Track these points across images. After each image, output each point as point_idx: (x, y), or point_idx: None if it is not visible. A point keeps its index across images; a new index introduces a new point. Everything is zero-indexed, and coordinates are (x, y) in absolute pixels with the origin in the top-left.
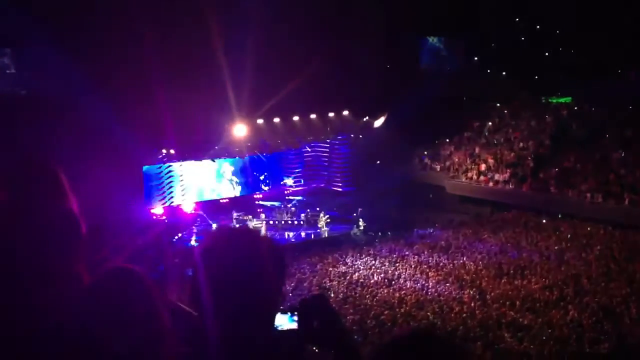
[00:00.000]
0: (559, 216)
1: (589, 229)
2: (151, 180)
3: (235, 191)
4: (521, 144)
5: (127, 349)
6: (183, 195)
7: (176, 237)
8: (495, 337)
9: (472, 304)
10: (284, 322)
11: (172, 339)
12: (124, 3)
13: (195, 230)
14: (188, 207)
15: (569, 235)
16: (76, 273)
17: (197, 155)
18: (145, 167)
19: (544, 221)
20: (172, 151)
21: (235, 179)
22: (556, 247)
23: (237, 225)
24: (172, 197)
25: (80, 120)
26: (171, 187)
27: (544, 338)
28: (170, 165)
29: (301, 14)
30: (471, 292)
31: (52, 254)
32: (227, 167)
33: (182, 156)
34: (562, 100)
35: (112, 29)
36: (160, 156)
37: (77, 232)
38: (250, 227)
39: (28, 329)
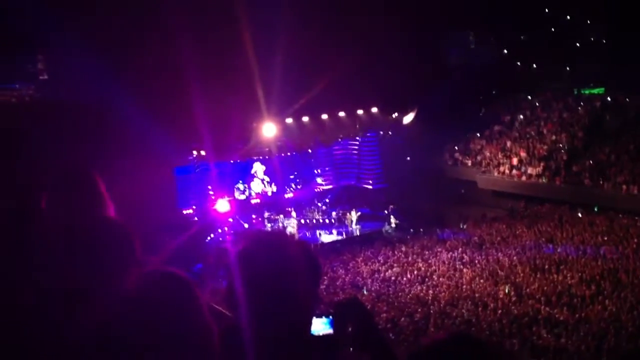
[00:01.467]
0: (595, 209)
1: (625, 221)
2: (183, 181)
3: (269, 190)
4: (554, 137)
5: (175, 355)
6: (215, 195)
7: (209, 238)
8: (531, 334)
9: (507, 300)
10: (321, 326)
11: (218, 344)
12: (157, 7)
13: (227, 231)
14: (223, 207)
15: (604, 229)
16: (120, 278)
17: (227, 156)
18: (177, 168)
19: (579, 215)
20: (202, 152)
21: (267, 178)
22: (592, 241)
23: (272, 229)
24: (205, 197)
25: (113, 123)
26: (203, 187)
27: (582, 334)
28: (202, 166)
29: (329, 12)
30: (506, 289)
31: (94, 260)
32: (258, 166)
33: (212, 157)
34: (595, 91)
35: (144, 33)
36: (191, 157)
37: (117, 238)
38: (285, 230)
39: (75, 337)
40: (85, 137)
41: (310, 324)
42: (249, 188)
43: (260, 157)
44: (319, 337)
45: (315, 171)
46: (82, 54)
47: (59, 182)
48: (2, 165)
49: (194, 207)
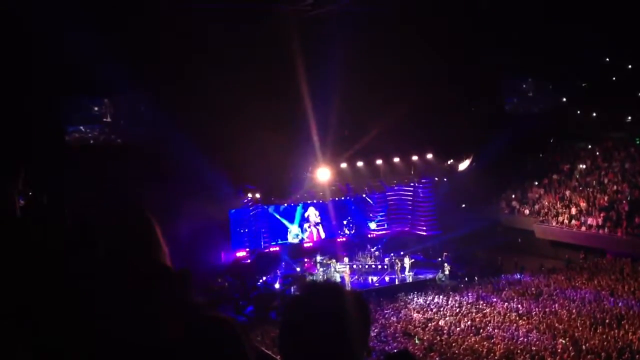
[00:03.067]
0: None
1: None
2: (237, 223)
3: (322, 233)
4: (615, 187)
5: None
6: (267, 238)
7: (261, 281)
8: None
9: (566, 355)
10: None
11: None
12: (216, 55)
13: (279, 274)
14: (272, 250)
15: None
16: (168, 324)
17: (281, 200)
18: (231, 211)
19: None
20: (257, 195)
21: (319, 221)
22: None
23: (325, 279)
24: (257, 240)
25: (171, 166)
26: (256, 230)
27: None
28: (255, 209)
29: (385, 58)
30: (564, 343)
31: (147, 305)
32: (311, 210)
33: (266, 200)
34: None
35: (204, 81)
36: (246, 200)
37: (171, 284)
38: (337, 275)
39: None
40: (145, 179)
41: None
42: (302, 232)
43: (314, 201)
44: None
45: (369, 216)
46: (144, 99)
47: (115, 226)
48: (62, 206)
49: (247, 249)
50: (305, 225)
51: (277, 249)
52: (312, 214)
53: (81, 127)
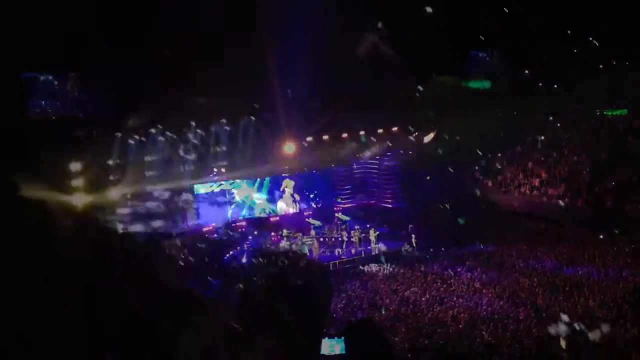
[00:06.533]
0: (616, 231)
1: None
2: (203, 198)
3: (295, 208)
4: (575, 158)
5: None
6: (235, 212)
7: (228, 254)
8: (552, 357)
9: (528, 322)
10: (337, 346)
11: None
12: (179, 24)
13: (246, 248)
14: (241, 224)
15: (627, 250)
16: (132, 297)
17: (247, 174)
18: (197, 185)
19: (601, 236)
20: (223, 169)
21: (296, 196)
22: (614, 263)
23: (290, 249)
24: (225, 214)
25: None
26: (224, 204)
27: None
28: (222, 183)
29: (349, 31)
30: (527, 310)
31: (110, 281)
32: (288, 182)
33: (233, 174)
34: (618, 112)
35: (168, 53)
36: (212, 174)
37: (138, 260)
38: (304, 251)
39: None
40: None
41: (320, 340)
42: (272, 203)
43: (287, 175)
44: (331, 357)
45: (335, 189)
46: (108, 74)
47: None
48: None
49: (214, 224)
50: (282, 198)
51: (244, 223)
52: (289, 185)
53: (42, 102)
